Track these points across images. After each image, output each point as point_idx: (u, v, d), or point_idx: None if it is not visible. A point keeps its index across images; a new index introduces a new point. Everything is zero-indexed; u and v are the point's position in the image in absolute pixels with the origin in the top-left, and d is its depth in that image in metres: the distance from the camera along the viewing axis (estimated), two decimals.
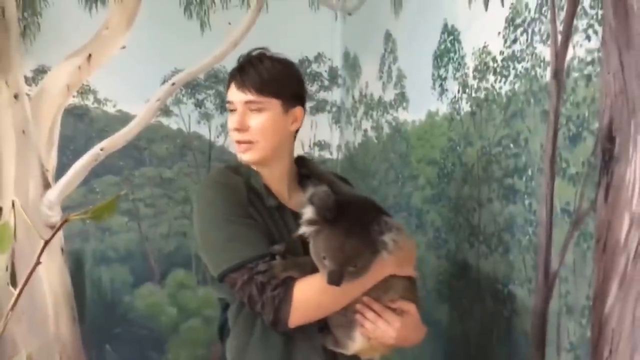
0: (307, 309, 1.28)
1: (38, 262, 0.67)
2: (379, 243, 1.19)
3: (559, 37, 1.20)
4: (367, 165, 2.59)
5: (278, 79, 1.40)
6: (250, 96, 1.37)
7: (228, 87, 1.43)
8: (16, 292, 0.61)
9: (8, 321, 0.63)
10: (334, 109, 3.08)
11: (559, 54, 1.21)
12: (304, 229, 1.24)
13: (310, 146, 3.06)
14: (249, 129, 1.38)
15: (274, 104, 1.39)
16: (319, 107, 3.06)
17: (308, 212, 1.22)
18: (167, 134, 2.95)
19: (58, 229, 0.68)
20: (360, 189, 2.49)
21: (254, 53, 1.44)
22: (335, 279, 1.19)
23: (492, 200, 1.48)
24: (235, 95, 1.39)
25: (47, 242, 0.67)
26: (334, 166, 3.03)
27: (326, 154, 3.09)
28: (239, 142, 1.41)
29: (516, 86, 1.37)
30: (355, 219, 1.21)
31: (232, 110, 1.41)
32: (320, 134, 3.07)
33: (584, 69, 1.13)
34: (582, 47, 1.13)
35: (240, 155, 1.42)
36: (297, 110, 1.43)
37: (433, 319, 1.80)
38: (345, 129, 2.99)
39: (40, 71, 2.79)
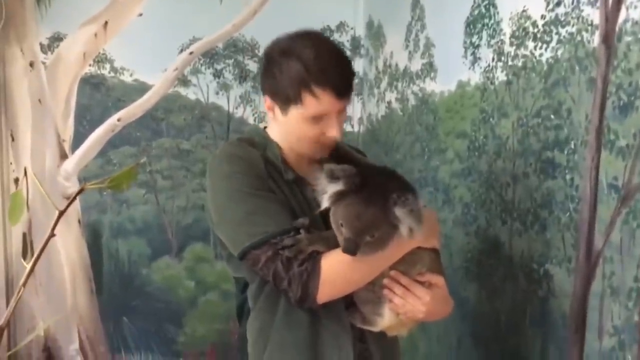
0: (335, 283, 1.22)
1: (52, 234, 0.61)
2: (392, 216, 1.15)
3: None
4: (390, 138, 2.51)
5: (353, 71, 1.30)
6: (347, 102, 1.28)
7: (309, 92, 1.22)
8: (28, 268, 0.55)
9: (20, 297, 0.57)
10: (356, 80, 2.99)
11: (610, 16, 1.11)
12: (327, 202, 1.19)
13: None
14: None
15: None
16: None
17: (331, 186, 1.18)
18: (185, 105, 2.89)
19: (74, 199, 0.61)
20: (383, 163, 2.42)
21: (321, 46, 1.26)
22: (350, 248, 1.15)
23: (528, 174, 1.41)
24: (335, 105, 1.25)
25: (62, 213, 0.61)
26: (354, 139, 2.96)
27: (347, 127, 3.01)
28: (325, 144, 1.31)
29: (559, 52, 1.28)
30: (376, 190, 1.17)
31: (318, 119, 1.26)
32: None
33: (638, 32, 1.04)
34: (636, 9, 1.04)
35: (318, 154, 1.33)
36: None
37: (460, 297, 1.73)
38: (367, 101, 2.90)
39: (56, 39, 2.73)
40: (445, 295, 1.32)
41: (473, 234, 1.71)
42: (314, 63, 1.22)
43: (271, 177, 1.29)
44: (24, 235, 0.72)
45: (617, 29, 1.09)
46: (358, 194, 1.17)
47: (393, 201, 1.14)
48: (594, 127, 1.16)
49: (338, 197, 1.18)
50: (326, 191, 1.19)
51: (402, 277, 1.28)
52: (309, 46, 1.25)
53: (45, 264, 2.63)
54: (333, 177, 1.17)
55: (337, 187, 1.18)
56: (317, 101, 1.23)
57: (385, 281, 1.28)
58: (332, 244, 1.22)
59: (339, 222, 1.18)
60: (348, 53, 2.92)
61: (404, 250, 1.26)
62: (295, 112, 1.26)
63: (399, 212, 1.14)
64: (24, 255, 0.74)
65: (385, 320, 1.29)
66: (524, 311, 1.44)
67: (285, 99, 1.26)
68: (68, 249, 2.76)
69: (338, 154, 1.42)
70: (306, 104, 1.24)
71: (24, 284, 0.56)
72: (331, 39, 2.85)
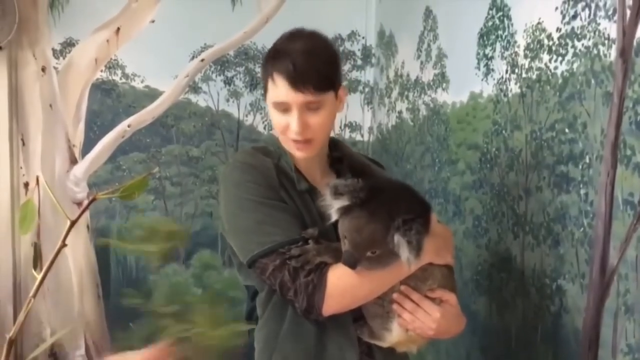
0: (341, 297, 1.21)
1: (63, 244, 0.60)
2: (391, 240, 1.12)
3: (628, 12, 1.10)
4: (400, 148, 2.50)
5: (331, 68, 1.27)
6: (309, 97, 1.23)
7: (271, 78, 1.26)
8: (39, 279, 0.54)
9: (30, 308, 0.56)
10: (367, 90, 2.98)
11: (627, 30, 1.10)
12: (335, 215, 1.19)
13: (340, 127, 2.98)
14: (309, 129, 1.27)
15: (330, 98, 1.28)
16: (351, 88, 2.97)
17: (337, 202, 1.17)
18: (195, 112, 2.89)
19: (86, 208, 0.61)
20: (393, 173, 2.41)
21: (290, 37, 1.29)
22: (349, 261, 1.15)
23: (541, 188, 1.39)
24: (291, 96, 1.23)
25: (73, 223, 0.60)
26: (364, 148, 2.95)
27: (357, 136, 3.00)
28: (295, 141, 1.29)
29: (574, 66, 1.27)
30: (383, 207, 1.15)
31: (284, 110, 1.27)
32: (351, 115, 2.99)
33: None
34: None
35: (295, 152, 1.31)
36: (342, 90, 1.34)
37: (470, 311, 1.72)
38: (377, 110, 2.90)
39: (68, 44, 2.74)
40: (456, 313, 1.29)
41: (484, 246, 1.69)
42: (280, 50, 1.25)
43: (283, 186, 1.28)
44: (35, 245, 0.72)
45: (634, 43, 1.08)
46: (364, 208, 1.15)
47: (396, 225, 1.12)
48: (609, 142, 1.14)
49: (345, 210, 1.17)
50: (333, 206, 1.18)
51: (412, 293, 1.26)
52: (286, 37, 1.28)
53: (52, 269, 2.62)
54: (337, 193, 1.17)
55: (343, 202, 1.17)
56: (275, 87, 1.25)
57: (395, 296, 1.26)
58: (341, 256, 1.21)
59: (343, 234, 1.18)
60: (359, 62, 2.94)
61: (412, 268, 1.23)
62: (268, 101, 1.30)
63: (397, 239, 1.12)
64: (35, 265, 0.74)
65: (393, 336, 1.28)
66: (536, 326, 1.42)
67: (264, 90, 1.32)
68: (76, 254, 2.76)
69: (353, 165, 1.41)
70: (269, 89, 1.28)
71: (34, 295, 0.55)
72: (342, 47, 2.88)
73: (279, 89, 1.24)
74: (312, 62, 1.23)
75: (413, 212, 1.14)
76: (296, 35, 1.29)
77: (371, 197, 1.16)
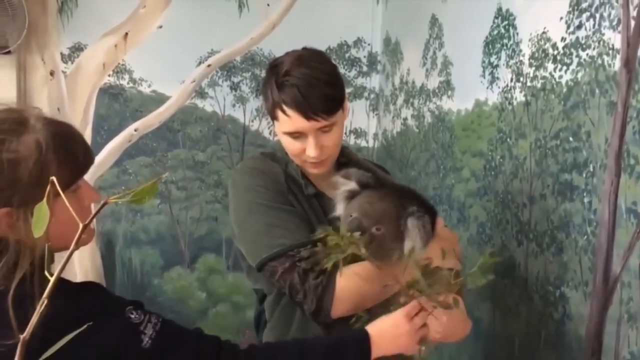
0: (350, 298, 1.22)
1: (76, 247, 0.62)
2: (404, 224, 1.16)
3: (632, 23, 1.11)
4: (405, 154, 2.51)
5: (338, 90, 1.29)
6: (323, 122, 1.26)
7: (280, 109, 1.26)
8: (52, 280, 0.56)
9: (43, 309, 0.58)
10: (372, 96, 3.00)
11: (632, 41, 1.11)
12: (341, 201, 1.24)
13: (346, 134, 2.99)
14: (324, 150, 1.30)
15: (340, 116, 1.31)
16: (357, 94, 2.98)
17: (347, 184, 1.23)
18: (201, 117, 2.91)
19: (97, 212, 0.62)
20: (398, 179, 2.41)
21: (300, 62, 1.27)
22: (353, 224, 1.16)
23: (545, 196, 1.40)
24: (305, 125, 1.25)
25: (85, 226, 0.61)
26: (369, 155, 2.96)
27: (362, 142, 3.02)
28: (312, 162, 1.32)
29: (579, 75, 1.28)
30: (395, 195, 1.21)
31: (297, 137, 1.29)
32: (356, 122, 3.00)
33: None
34: None
35: (311, 170, 1.34)
36: (345, 102, 1.35)
37: (473, 317, 1.71)
38: (383, 117, 2.91)
39: (77, 49, 2.76)
40: (463, 317, 1.30)
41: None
42: (285, 79, 1.25)
43: (291, 191, 1.31)
44: (47, 247, 0.73)
45: (638, 53, 1.09)
46: (374, 190, 1.20)
47: (411, 211, 1.15)
48: (613, 151, 1.15)
49: (353, 194, 1.21)
50: (341, 190, 1.23)
51: (419, 296, 1.27)
52: (289, 64, 1.26)
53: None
54: (346, 177, 1.23)
55: (351, 186, 1.22)
56: (289, 119, 1.25)
57: (402, 300, 1.27)
58: (350, 259, 1.22)
59: (349, 213, 1.20)
60: (365, 69, 2.95)
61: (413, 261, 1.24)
62: (277, 127, 1.31)
63: (411, 222, 1.15)
64: (48, 266, 0.75)
65: None
66: (539, 333, 1.43)
67: (270, 115, 1.32)
68: (82, 257, 2.78)
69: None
70: (281, 121, 1.28)
71: (48, 297, 0.57)
72: (347, 54, 2.90)
73: (292, 119, 1.26)
74: (320, 89, 1.24)
75: (425, 207, 1.20)
76: (299, 60, 1.28)
77: (381, 187, 1.22)
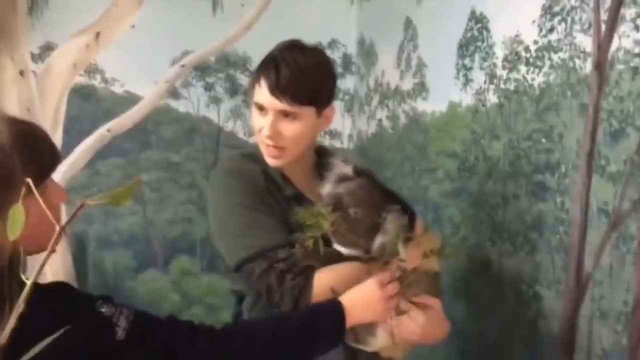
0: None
1: (52, 250, 0.61)
2: (383, 216, 1.18)
3: (603, 27, 1.14)
4: (380, 155, 2.52)
5: (315, 85, 1.29)
6: (285, 105, 1.26)
7: (256, 81, 1.30)
8: (29, 283, 0.55)
9: (21, 314, 0.57)
10: (347, 97, 3.01)
11: (602, 44, 1.14)
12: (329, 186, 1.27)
13: (320, 134, 2.99)
14: (281, 136, 1.29)
15: (309, 113, 1.30)
16: None
17: (344, 167, 1.28)
18: (175, 117, 2.88)
19: (74, 215, 0.61)
20: None
21: (288, 47, 1.31)
22: (330, 197, 1.20)
23: (518, 196, 1.42)
24: (268, 99, 1.27)
25: (62, 228, 0.61)
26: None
27: (337, 143, 3.02)
28: (268, 145, 1.31)
29: (551, 78, 1.30)
30: (376, 190, 1.24)
31: (262, 112, 1.30)
32: None
33: (630, 60, 1.07)
34: (629, 38, 1.07)
35: (267, 158, 1.34)
36: (329, 110, 1.36)
37: (448, 317, 1.73)
38: (357, 118, 2.92)
39: (47, 48, 2.71)
40: (441, 318, 1.31)
41: (462, 253, 1.72)
42: (274, 56, 1.29)
43: (270, 192, 1.31)
44: (22, 250, 0.72)
45: (609, 56, 1.12)
46: (367, 180, 1.25)
47: (393, 208, 1.17)
48: (585, 152, 1.18)
49: (344, 178, 1.25)
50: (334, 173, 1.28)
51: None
52: (286, 46, 1.31)
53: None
54: (346, 161, 1.31)
55: (346, 169, 1.28)
56: (259, 89, 1.29)
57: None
58: (328, 260, 1.22)
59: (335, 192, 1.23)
60: (339, 70, 2.96)
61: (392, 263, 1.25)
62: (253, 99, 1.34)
63: (390, 217, 1.16)
64: (23, 270, 0.73)
65: (378, 340, 1.29)
66: (513, 332, 1.45)
67: (251, 87, 1.36)
68: (52, 259, 2.73)
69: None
70: (255, 89, 1.31)
71: (25, 301, 0.56)
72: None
73: (261, 91, 1.28)
74: (298, 75, 1.25)
75: (406, 209, 1.21)
76: (296, 46, 1.31)
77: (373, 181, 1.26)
